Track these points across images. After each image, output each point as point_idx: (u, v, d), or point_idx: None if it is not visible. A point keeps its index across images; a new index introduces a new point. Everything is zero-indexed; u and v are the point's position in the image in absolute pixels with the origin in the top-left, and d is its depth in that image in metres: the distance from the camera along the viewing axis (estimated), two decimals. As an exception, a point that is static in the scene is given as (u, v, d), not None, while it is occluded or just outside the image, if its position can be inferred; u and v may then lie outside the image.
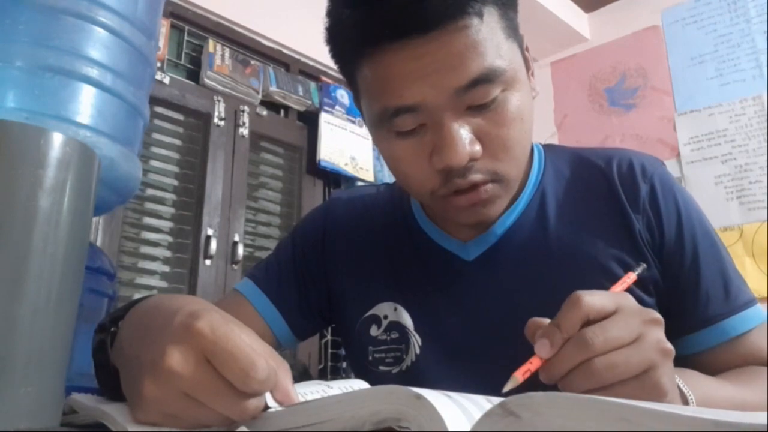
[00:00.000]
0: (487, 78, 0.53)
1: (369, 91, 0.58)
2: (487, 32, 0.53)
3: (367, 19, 0.54)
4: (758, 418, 0.20)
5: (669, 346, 0.41)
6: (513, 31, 0.57)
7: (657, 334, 0.42)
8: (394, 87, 0.54)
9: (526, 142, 0.59)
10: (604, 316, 0.41)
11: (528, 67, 0.62)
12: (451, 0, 0.51)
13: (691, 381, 0.49)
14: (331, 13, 0.59)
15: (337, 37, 0.59)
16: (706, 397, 0.49)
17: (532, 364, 0.41)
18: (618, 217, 0.65)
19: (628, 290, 0.62)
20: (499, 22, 0.55)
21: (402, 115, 0.55)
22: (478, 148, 0.55)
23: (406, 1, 0.51)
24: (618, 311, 0.42)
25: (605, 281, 0.62)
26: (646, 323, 0.41)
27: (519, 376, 0.41)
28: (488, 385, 0.42)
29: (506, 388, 0.40)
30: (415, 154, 0.57)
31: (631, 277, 0.51)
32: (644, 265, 0.53)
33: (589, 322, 0.41)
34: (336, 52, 0.61)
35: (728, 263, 0.65)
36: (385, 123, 0.57)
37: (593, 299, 0.41)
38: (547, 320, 0.43)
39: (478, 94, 0.54)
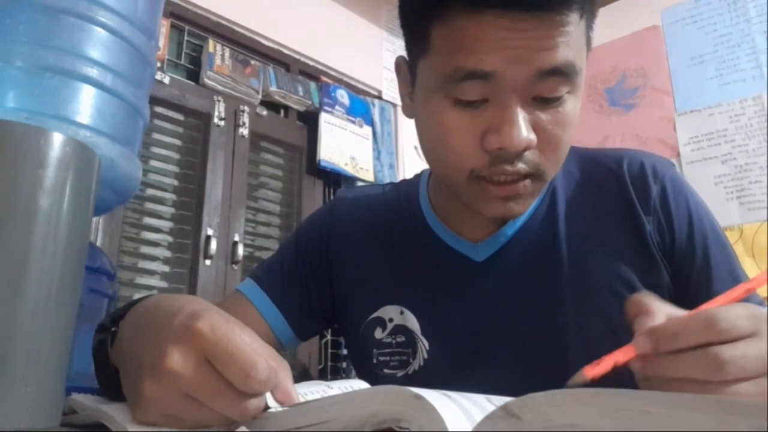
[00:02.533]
0: (565, 72, 0.53)
1: (446, 46, 0.55)
2: (576, 32, 0.54)
3: None
4: (759, 408, 0.20)
5: None
6: (589, 43, 0.58)
7: None
8: (479, 48, 0.52)
9: (568, 146, 0.59)
10: (737, 338, 0.38)
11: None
12: None
13: None
14: None
15: None
16: None
17: (623, 355, 0.40)
18: (628, 218, 0.65)
19: (636, 292, 0.62)
20: (585, 29, 0.56)
21: (471, 81, 0.53)
22: (533, 138, 0.54)
23: None
24: (753, 335, 0.38)
25: (615, 283, 0.62)
26: None
27: (609, 363, 0.40)
28: (498, 388, 0.42)
29: (590, 375, 0.39)
30: (467, 128, 0.55)
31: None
32: None
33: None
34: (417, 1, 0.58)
35: (738, 266, 0.65)
36: (447, 86, 0.55)
37: (731, 322, 0.37)
38: (656, 302, 0.42)
39: (551, 86, 0.54)
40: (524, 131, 0.53)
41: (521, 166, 0.55)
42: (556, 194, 0.68)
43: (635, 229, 0.64)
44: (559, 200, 0.67)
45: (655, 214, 0.64)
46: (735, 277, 0.64)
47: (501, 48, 0.52)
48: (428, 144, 0.60)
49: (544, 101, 0.54)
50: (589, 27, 0.58)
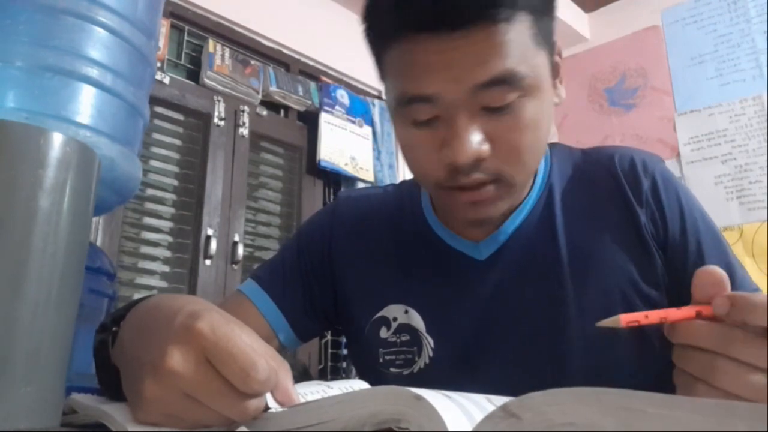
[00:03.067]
0: (506, 80, 0.54)
1: (392, 74, 0.59)
2: (514, 36, 0.54)
3: (401, 6, 0.55)
4: (759, 410, 0.20)
5: None
6: (545, 39, 0.58)
7: None
8: (415, 75, 0.55)
9: (538, 149, 0.59)
10: None
11: (556, 75, 0.63)
12: (483, 2, 0.52)
13: None
14: None
15: (372, 16, 0.60)
16: None
17: (680, 314, 0.41)
18: (623, 212, 0.66)
19: (634, 285, 0.63)
20: (531, 28, 0.55)
21: (418, 104, 0.56)
22: (486, 148, 0.55)
23: None
24: None
25: (613, 276, 0.63)
26: None
27: (657, 316, 0.40)
28: (503, 385, 0.42)
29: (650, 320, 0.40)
30: (426, 144, 0.58)
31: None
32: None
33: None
34: (368, 31, 0.62)
35: (731, 255, 0.66)
36: (402, 108, 0.58)
37: None
38: (723, 274, 0.43)
39: (495, 96, 0.54)
40: (472, 144, 0.54)
41: (478, 176, 0.57)
42: (552, 191, 0.69)
43: (630, 221, 0.65)
44: (555, 197, 0.68)
45: (647, 206, 0.65)
46: (729, 265, 0.64)
47: (433, 71, 0.54)
48: (402, 154, 0.64)
49: (493, 110, 0.55)
50: (541, 23, 0.57)
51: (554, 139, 3.01)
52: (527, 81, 0.55)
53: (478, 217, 0.61)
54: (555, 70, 0.62)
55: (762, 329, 0.39)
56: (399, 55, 0.56)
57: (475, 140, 0.55)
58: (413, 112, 0.57)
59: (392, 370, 0.68)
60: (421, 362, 0.67)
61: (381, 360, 0.69)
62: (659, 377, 0.64)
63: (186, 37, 2.30)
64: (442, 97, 0.55)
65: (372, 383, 0.41)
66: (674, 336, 0.43)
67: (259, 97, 2.41)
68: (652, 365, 0.62)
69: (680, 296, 0.64)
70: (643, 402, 0.21)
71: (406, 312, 0.68)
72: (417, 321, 0.68)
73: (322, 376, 2.35)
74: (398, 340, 0.68)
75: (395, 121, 0.61)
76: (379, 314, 0.70)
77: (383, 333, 0.69)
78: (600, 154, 0.71)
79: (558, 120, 3.04)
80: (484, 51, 0.53)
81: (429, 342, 0.67)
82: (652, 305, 0.63)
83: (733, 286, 0.62)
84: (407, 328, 0.68)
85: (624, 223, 0.65)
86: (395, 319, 0.69)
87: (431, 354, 0.66)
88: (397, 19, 0.56)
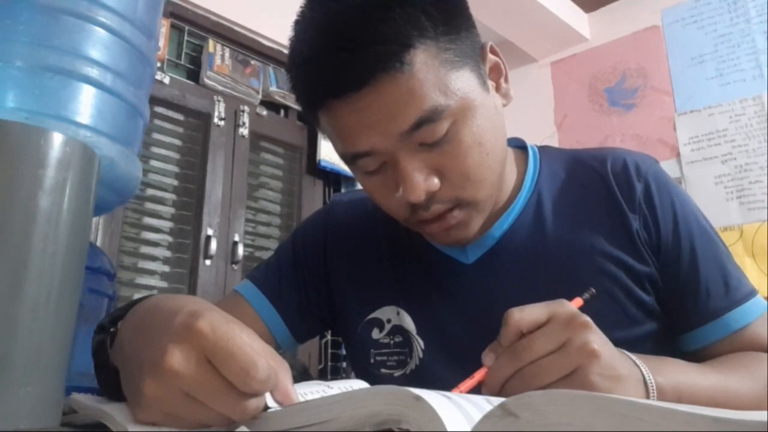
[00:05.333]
0: (430, 118, 0.54)
1: (330, 137, 0.61)
2: (422, 74, 0.53)
3: (310, 79, 0.58)
4: (758, 417, 0.20)
5: (595, 347, 0.44)
6: (461, 56, 0.57)
7: (584, 337, 0.44)
8: (345, 136, 0.57)
9: (489, 163, 0.59)
10: (537, 327, 0.45)
11: (497, 76, 0.62)
12: (378, 55, 0.52)
13: (665, 369, 0.50)
14: (287, 72, 0.63)
15: (294, 92, 0.62)
16: (681, 383, 0.50)
17: (478, 374, 0.46)
18: (615, 217, 0.65)
19: (625, 290, 0.63)
20: (438, 56, 0.55)
21: (362, 159, 0.58)
22: (435, 181, 0.56)
23: (339, 61, 0.53)
24: (549, 321, 0.45)
25: (604, 281, 0.63)
26: (574, 328, 0.44)
27: (462, 388, 0.44)
28: None
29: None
30: (383, 189, 0.60)
31: (577, 302, 0.52)
32: (593, 291, 0.54)
33: (525, 335, 0.45)
34: (298, 103, 0.64)
35: (727, 257, 0.65)
36: (350, 164, 0.60)
37: (523, 314, 0.46)
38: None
39: (426, 134, 0.55)
40: (417, 184, 0.55)
41: (438, 206, 0.58)
42: (542, 195, 0.68)
43: (622, 227, 0.65)
44: (545, 201, 0.68)
45: (640, 211, 0.65)
46: (723, 269, 0.64)
47: (359, 130, 0.55)
48: None
49: (431, 145, 0.56)
50: (452, 43, 0.56)
51: (554, 140, 3.02)
52: (453, 108, 0.55)
53: (455, 240, 0.62)
54: (493, 73, 0.62)
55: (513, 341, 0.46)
56: (327, 121, 0.58)
57: (423, 177, 0.56)
58: (361, 166, 0.59)
59: (383, 371, 0.68)
60: (412, 363, 0.67)
61: (372, 360, 0.69)
62: None
63: (186, 37, 2.30)
64: (377, 149, 0.56)
65: (369, 383, 0.42)
66: (487, 391, 0.46)
67: (259, 97, 2.41)
68: None
69: (677, 299, 0.64)
70: (641, 411, 0.21)
71: (398, 314, 0.69)
72: (408, 323, 0.68)
73: (322, 376, 2.35)
74: (391, 342, 0.69)
75: (351, 171, 0.63)
76: (372, 315, 0.70)
77: (375, 334, 0.70)
78: (592, 158, 0.70)
79: (558, 120, 3.04)
80: (395, 101, 0.53)
81: (419, 343, 0.67)
82: (644, 310, 0.63)
83: (728, 292, 0.62)
84: (400, 330, 0.69)
85: (615, 228, 0.65)
86: (389, 321, 0.69)
87: (421, 356, 0.67)
88: (310, 90, 0.58)
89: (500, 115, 0.62)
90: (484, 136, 0.57)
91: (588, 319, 0.45)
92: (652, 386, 0.48)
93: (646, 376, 0.48)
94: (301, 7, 0.61)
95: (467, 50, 0.58)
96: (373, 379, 0.68)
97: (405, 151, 0.55)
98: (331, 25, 0.55)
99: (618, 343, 0.62)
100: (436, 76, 0.54)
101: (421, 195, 0.56)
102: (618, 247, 0.64)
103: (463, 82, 0.56)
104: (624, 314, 0.62)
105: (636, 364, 0.48)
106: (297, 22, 0.61)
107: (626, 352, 0.49)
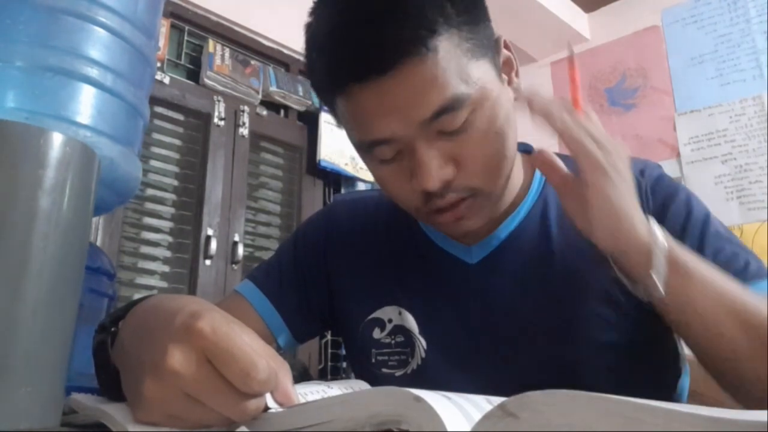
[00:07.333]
0: (451, 107, 0.54)
1: (346, 123, 0.60)
2: (446, 62, 0.53)
3: (331, 62, 0.57)
4: (758, 417, 0.20)
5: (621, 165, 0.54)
6: (480, 46, 0.57)
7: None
8: (365, 122, 0.57)
9: (505, 153, 0.59)
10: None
11: (509, 70, 0.63)
12: (404, 40, 0.52)
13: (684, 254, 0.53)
14: (306, 56, 0.62)
15: (312, 75, 0.62)
16: (692, 262, 0.52)
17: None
18: None
19: (630, 294, 0.62)
20: (460, 45, 0.55)
21: (379, 147, 0.57)
22: (450, 170, 0.56)
23: (363, 45, 0.53)
24: None
25: (607, 283, 0.62)
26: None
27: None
28: (494, 387, 0.42)
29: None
30: (397, 178, 0.59)
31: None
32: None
33: None
34: (314, 88, 0.63)
35: (738, 245, 0.63)
36: (366, 152, 0.60)
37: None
38: None
39: (446, 122, 0.55)
40: (434, 172, 0.55)
41: (452, 196, 0.58)
42: (548, 198, 0.69)
43: None
44: (550, 204, 0.68)
45: (646, 209, 0.64)
46: (735, 258, 0.61)
47: (380, 116, 0.55)
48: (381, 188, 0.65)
49: (449, 133, 0.56)
50: (472, 33, 0.56)
51: (554, 140, 3.01)
52: (473, 98, 0.55)
53: (464, 231, 0.62)
54: (506, 66, 0.62)
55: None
56: (345, 106, 0.58)
57: (439, 165, 0.55)
58: (377, 154, 0.58)
59: (384, 370, 0.68)
60: (413, 363, 0.67)
61: (373, 360, 0.69)
62: (651, 380, 0.64)
63: (186, 37, 2.30)
64: (397, 136, 0.55)
65: (369, 383, 0.41)
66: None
67: (259, 97, 2.41)
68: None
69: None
70: (643, 412, 0.21)
71: (400, 313, 0.69)
72: (410, 322, 0.68)
73: (322, 376, 2.35)
74: (393, 341, 0.69)
75: (364, 161, 0.62)
76: (373, 315, 0.70)
77: (377, 334, 0.70)
78: None
79: (558, 120, 3.04)
80: (419, 87, 0.53)
81: (422, 343, 0.67)
82: (647, 311, 0.63)
83: (745, 276, 0.60)
84: (401, 330, 0.68)
85: None
86: (390, 321, 0.69)
87: (423, 355, 0.67)
88: (332, 75, 0.57)
89: (514, 108, 0.62)
90: (499, 125, 0.58)
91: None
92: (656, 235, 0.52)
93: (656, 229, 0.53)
94: None
95: (485, 41, 0.58)
96: (374, 378, 0.68)
97: (423, 139, 0.55)
98: (354, 8, 0.54)
99: (621, 346, 0.62)
100: (458, 65, 0.54)
101: (437, 183, 0.55)
102: None
103: (483, 72, 0.57)
104: (627, 316, 0.62)
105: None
106: (317, 6, 0.59)
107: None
